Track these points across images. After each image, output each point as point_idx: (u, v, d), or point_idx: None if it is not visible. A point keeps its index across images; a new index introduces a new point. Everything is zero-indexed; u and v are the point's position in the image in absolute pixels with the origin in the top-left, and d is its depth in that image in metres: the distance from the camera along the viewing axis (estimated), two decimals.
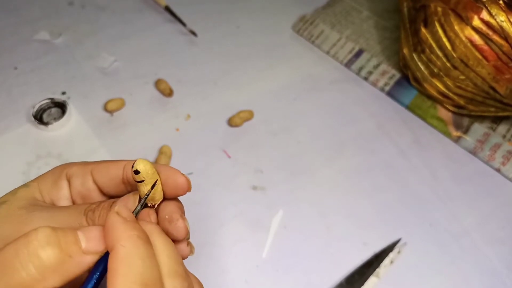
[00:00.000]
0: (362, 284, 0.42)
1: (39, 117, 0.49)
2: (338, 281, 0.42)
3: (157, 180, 0.26)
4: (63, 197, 0.29)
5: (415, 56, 0.53)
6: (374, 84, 0.57)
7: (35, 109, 0.49)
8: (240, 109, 0.52)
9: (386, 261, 0.43)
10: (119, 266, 0.20)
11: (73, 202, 0.29)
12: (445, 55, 0.49)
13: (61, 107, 0.50)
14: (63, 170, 0.30)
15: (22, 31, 0.58)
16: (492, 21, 0.44)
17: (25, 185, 0.29)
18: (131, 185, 0.29)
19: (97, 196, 0.29)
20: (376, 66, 0.57)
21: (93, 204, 0.27)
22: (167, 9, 0.60)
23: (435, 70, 0.51)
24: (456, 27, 0.47)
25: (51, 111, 0.50)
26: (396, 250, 0.44)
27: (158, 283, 0.20)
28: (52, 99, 0.50)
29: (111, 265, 0.20)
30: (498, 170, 0.51)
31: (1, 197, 0.28)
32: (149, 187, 0.26)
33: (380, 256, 0.44)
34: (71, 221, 0.26)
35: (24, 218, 0.26)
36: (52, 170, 0.30)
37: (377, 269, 0.43)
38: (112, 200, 0.27)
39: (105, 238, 0.21)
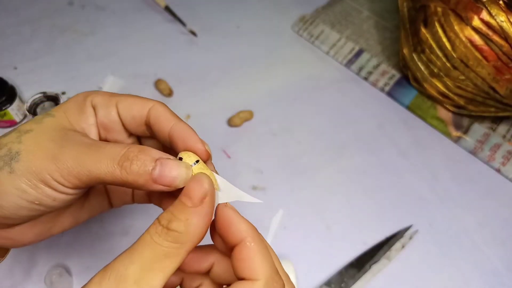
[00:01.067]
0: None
1: (33, 112, 0.49)
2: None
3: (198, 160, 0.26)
4: (90, 125, 0.28)
5: (415, 56, 0.53)
6: (374, 84, 0.57)
7: (28, 104, 0.49)
8: (240, 109, 0.52)
9: (380, 264, 0.43)
10: (257, 255, 0.23)
11: (98, 132, 0.29)
12: (445, 55, 0.49)
13: (55, 100, 0.50)
14: (87, 98, 0.28)
15: (22, 31, 0.58)
16: (492, 21, 0.44)
17: (49, 115, 0.27)
18: (153, 130, 0.28)
19: (119, 130, 0.29)
20: (376, 66, 0.57)
21: (129, 151, 0.24)
22: (167, 9, 0.60)
23: (435, 70, 0.51)
24: (456, 27, 0.47)
25: (44, 105, 0.50)
26: (395, 249, 0.44)
27: (278, 273, 0.24)
28: (44, 93, 0.49)
29: (247, 254, 0.23)
30: (498, 170, 0.51)
31: (23, 125, 0.26)
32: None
33: (377, 254, 0.44)
34: (101, 167, 0.24)
35: (53, 153, 0.24)
36: (75, 98, 0.28)
37: (373, 266, 0.43)
38: (156, 155, 0.24)
39: (228, 228, 0.24)
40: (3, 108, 0.48)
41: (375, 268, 0.43)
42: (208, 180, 0.24)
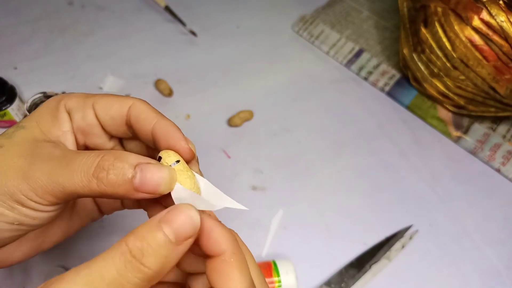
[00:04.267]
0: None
1: None
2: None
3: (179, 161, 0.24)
4: (66, 132, 0.26)
5: (415, 56, 0.53)
6: (374, 84, 0.57)
7: (28, 104, 0.49)
8: (240, 109, 0.52)
9: (380, 264, 0.43)
10: (234, 272, 0.21)
11: (75, 138, 0.27)
12: (445, 55, 0.49)
13: None
14: (60, 102, 0.26)
15: (22, 31, 0.58)
16: (492, 21, 0.44)
17: (20, 127, 0.25)
18: (134, 130, 0.26)
19: (99, 133, 0.27)
20: (376, 66, 0.57)
21: (104, 160, 0.22)
22: (167, 9, 0.60)
23: (435, 70, 0.51)
24: (456, 27, 0.47)
25: None
26: (395, 249, 0.44)
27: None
28: (44, 93, 0.49)
29: (224, 269, 0.21)
30: (498, 170, 0.51)
31: None
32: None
33: (377, 254, 0.44)
34: (75, 182, 0.22)
35: (24, 170, 0.23)
36: (47, 104, 0.26)
37: (373, 266, 0.43)
38: (134, 160, 0.22)
39: (207, 239, 0.22)
40: (3, 108, 0.48)
41: (375, 268, 0.43)
42: (197, 215, 0.21)
